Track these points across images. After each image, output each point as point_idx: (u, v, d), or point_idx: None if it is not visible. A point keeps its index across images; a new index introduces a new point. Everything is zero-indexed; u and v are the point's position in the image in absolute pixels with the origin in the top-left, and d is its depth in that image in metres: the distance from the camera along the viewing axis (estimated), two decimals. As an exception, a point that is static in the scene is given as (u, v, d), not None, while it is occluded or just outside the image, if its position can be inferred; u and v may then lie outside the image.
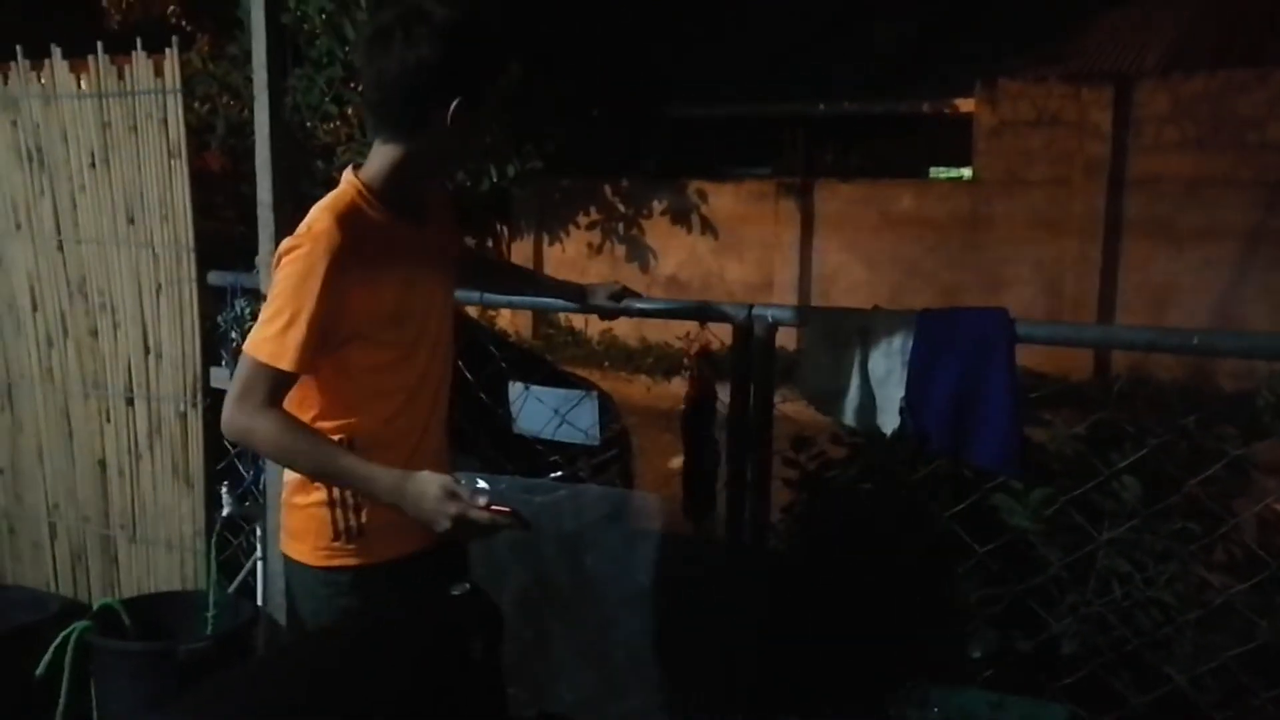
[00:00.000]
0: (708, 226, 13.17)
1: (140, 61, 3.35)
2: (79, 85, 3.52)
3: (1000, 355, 2.38)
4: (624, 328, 12.30)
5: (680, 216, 13.26)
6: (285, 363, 1.91)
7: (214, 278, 3.40)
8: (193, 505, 3.48)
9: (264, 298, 2.97)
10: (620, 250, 13.59)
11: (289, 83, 10.48)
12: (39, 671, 3.22)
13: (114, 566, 3.71)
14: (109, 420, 3.61)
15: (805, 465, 3.22)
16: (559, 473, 3.22)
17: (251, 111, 3.05)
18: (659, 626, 2.82)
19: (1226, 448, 2.63)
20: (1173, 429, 2.68)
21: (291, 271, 1.92)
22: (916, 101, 12.69)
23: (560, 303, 2.74)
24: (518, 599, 2.97)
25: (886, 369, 2.50)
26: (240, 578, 3.40)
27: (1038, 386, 2.98)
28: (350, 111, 11.50)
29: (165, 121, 3.34)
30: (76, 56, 3.50)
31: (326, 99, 11.42)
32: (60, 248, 3.62)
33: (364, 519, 2.07)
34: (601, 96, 13.04)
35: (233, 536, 3.42)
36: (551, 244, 13.95)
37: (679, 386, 6.19)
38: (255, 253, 3.11)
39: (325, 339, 1.93)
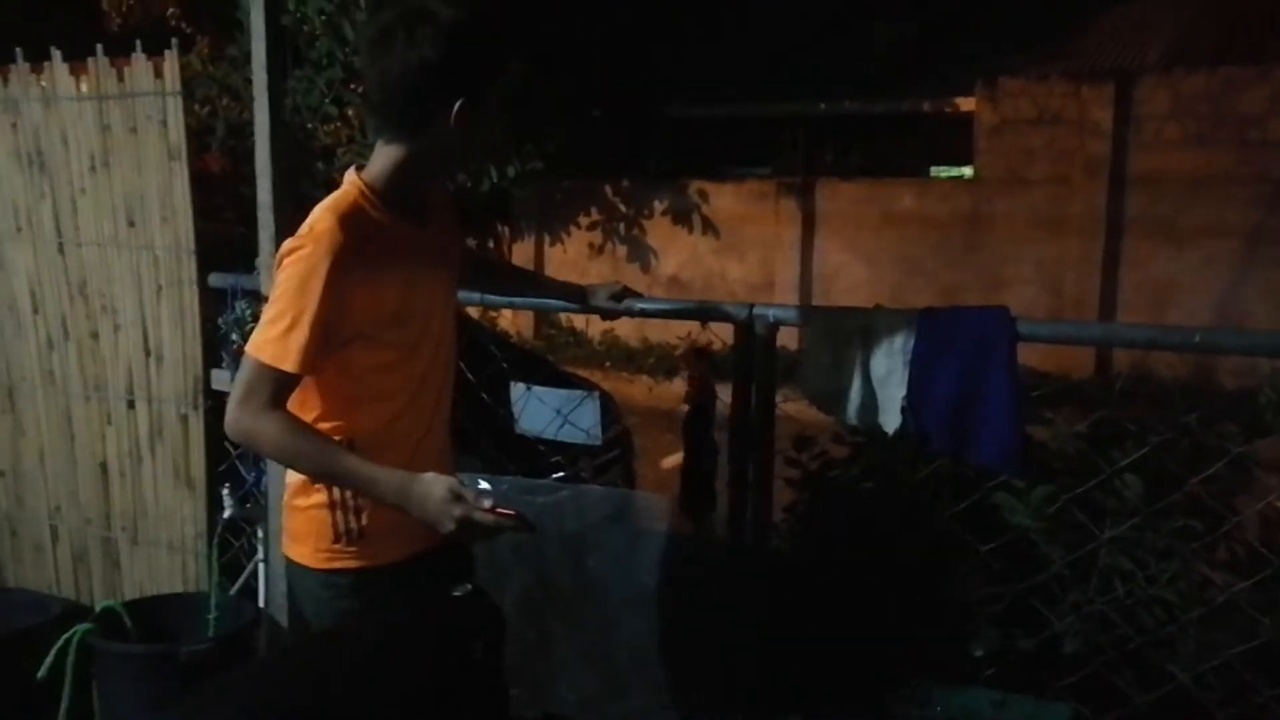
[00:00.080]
0: (709, 226, 13.17)
1: (140, 64, 3.35)
2: (79, 88, 3.52)
3: (1002, 354, 2.38)
4: (625, 328, 12.32)
5: (681, 216, 13.27)
6: (288, 364, 1.90)
7: (215, 279, 3.40)
8: (194, 507, 3.48)
9: (265, 299, 2.97)
10: (621, 250, 13.60)
11: (289, 84, 10.48)
12: (41, 674, 3.22)
13: (116, 569, 3.71)
14: (110, 422, 3.62)
15: (807, 465, 3.23)
16: (561, 473, 3.21)
17: (251, 113, 3.05)
18: (661, 627, 2.81)
19: (1228, 445, 2.63)
20: (1174, 427, 2.68)
21: (294, 273, 1.92)
22: (917, 100, 12.70)
23: (561, 303, 2.74)
24: (520, 600, 2.97)
25: (888, 368, 2.50)
26: (242, 579, 3.41)
27: (1039, 385, 2.97)
28: (350, 113, 11.51)
29: (165, 123, 3.34)
30: (76, 59, 3.51)
31: (326, 100, 11.42)
32: (61, 250, 3.62)
33: (364, 522, 2.07)
34: (601, 96, 13.05)
35: (234, 538, 3.42)
36: (552, 244, 13.96)
37: (680, 387, 6.20)
38: (256, 254, 3.11)
39: (327, 340, 1.93)
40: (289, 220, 2.91)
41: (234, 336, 3.34)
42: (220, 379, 3.38)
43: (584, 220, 13.72)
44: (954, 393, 2.42)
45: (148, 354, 3.49)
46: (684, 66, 13.75)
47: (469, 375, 3.01)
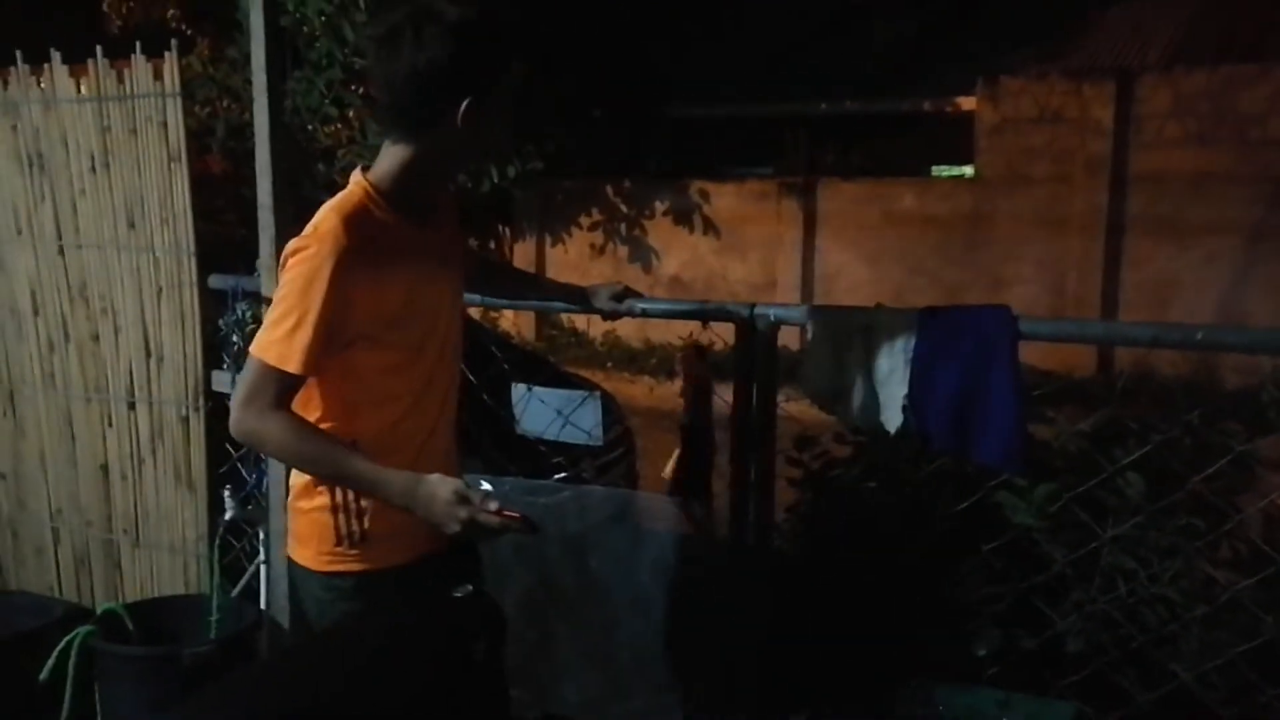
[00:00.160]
0: (710, 226, 13.16)
1: (140, 65, 3.35)
2: (79, 89, 3.52)
3: (1003, 353, 2.38)
4: (627, 329, 12.31)
5: (682, 217, 13.26)
6: (292, 365, 1.90)
7: (215, 281, 3.40)
8: (195, 509, 3.48)
9: (265, 301, 2.98)
10: (623, 251, 13.58)
11: (288, 85, 10.49)
12: (43, 676, 3.22)
13: (117, 571, 3.71)
14: (111, 424, 3.61)
15: (809, 464, 3.23)
16: (563, 474, 3.21)
17: (251, 114, 3.04)
18: (663, 627, 2.81)
19: (1231, 443, 2.63)
20: (1177, 425, 2.67)
21: (298, 273, 1.92)
22: (918, 100, 12.69)
23: (563, 304, 2.74)
24: (522, 600, 2.97)
25: (890, 367, 2.50)
26: (243, 581, 3.40)
27: (1041, 384, 2.97)
28: (350, 114, 11.52)
29: (165, 125, 3.33)
30: (76, 61, 3.50)
31: (326, 101, 11.43)
32: (61, 252, 3.62)
33: (366, 525, 2.06)
34: (602, 97, 13.04)
35: (235, 540, 3.41)
36: (553, 245, 13.95)
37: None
38: (256, 256, 3.11)
39: (331, 340, 1.93)
40: (289, 222, 2.91)
41: (234, 338, 3.34)
42: (221, 380, 3.37)
43: (585, 221, 13.70)
44: (956, 392, 2.42)
45: (148, 356, 3.49)
46: (684, 66, 13.74)
47: (470, 376, 3.01)
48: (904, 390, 2.47)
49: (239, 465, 3.40)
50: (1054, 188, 11.40)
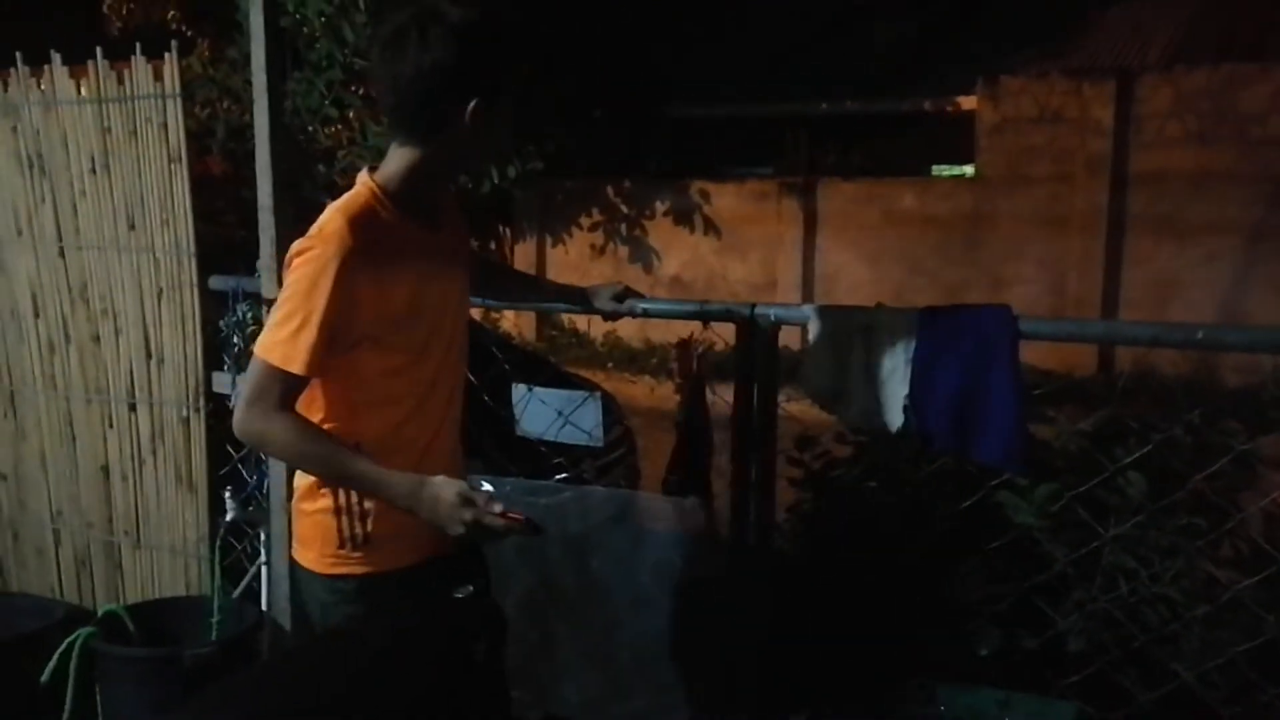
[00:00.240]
0: (710, 227, 13.16)
1: (140, 66, 3.35)
2: (79, 91, 3.52)
3: (1004, 352, 2.38)
4: (627, 329, 12.30)
5: (683, 217, 13.25)
6: (297, 366, 1.90)
7: (215, 282, 3.40)
8: (196, 510, 3.48)
9: (265, 302, 2.98)
10: (623, 251, 13.58)
11: (288, 86, 10.49)
12: (44, 678, 3.22)
13: (118, 572, 3.71)
14: (111, 426, 3.61)
15: (810, 464, 3.22)
16: (564, 474, 3.21)
17: (252, 115, 3.04)
18: (664, 627, 2.81)
19: (1232, 442, 2.63)
20: (1178, 424, 2.67)
21: (303, 274, 1.92)
22: (918, 100, 12.69)
23: (564, 304, 2.74)
24: (523, 601, 2.96)
25: (890, 367, 2.50)
26: (244, 583, 3.40)
27: (1042, 383, 2.97)
28: (350, 115, 11.51)
29: (165, 126, 3.33)
30: (76, 62, 3.50)
31: (326, 102, 11.43)
32: (61, 253, 3.62)
33: (369, 528, 2.06)
34: (602, 97, 13.04)
35: (237, 541, 3.42)
36: (554, 245, 13.94)
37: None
38: (256, 257, 3.10)
39: (335, 341, 1.93)
40: (289, 223, 2.91)
41: (235, 339, 3.34)
42: (221, 382, 3.37)
43: (585, 221, 13.69)
44: (956, 391, 2.42)
45: (149, 357, 3.49)
46: (684, 66, 13.74)
47: (471, 377, 3.01)
48: (904, 390, 2.47)
49: (240, 466, 3.40)
50: (1054, 187, 11.40)
